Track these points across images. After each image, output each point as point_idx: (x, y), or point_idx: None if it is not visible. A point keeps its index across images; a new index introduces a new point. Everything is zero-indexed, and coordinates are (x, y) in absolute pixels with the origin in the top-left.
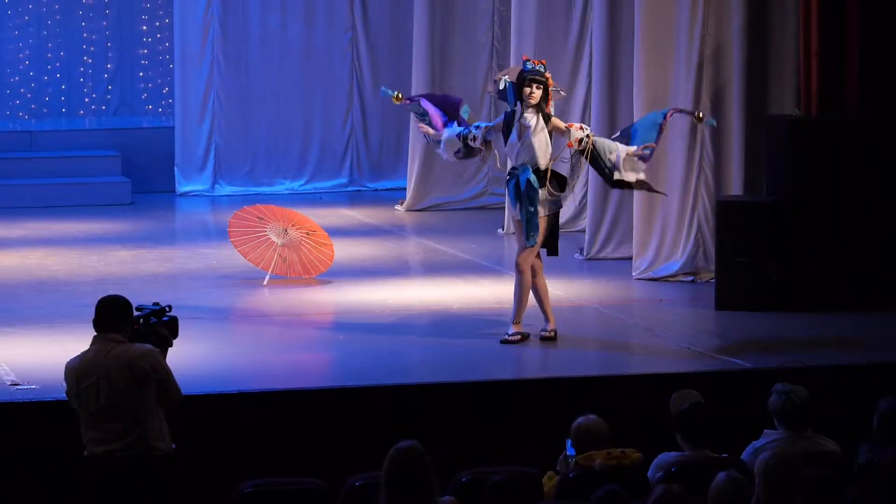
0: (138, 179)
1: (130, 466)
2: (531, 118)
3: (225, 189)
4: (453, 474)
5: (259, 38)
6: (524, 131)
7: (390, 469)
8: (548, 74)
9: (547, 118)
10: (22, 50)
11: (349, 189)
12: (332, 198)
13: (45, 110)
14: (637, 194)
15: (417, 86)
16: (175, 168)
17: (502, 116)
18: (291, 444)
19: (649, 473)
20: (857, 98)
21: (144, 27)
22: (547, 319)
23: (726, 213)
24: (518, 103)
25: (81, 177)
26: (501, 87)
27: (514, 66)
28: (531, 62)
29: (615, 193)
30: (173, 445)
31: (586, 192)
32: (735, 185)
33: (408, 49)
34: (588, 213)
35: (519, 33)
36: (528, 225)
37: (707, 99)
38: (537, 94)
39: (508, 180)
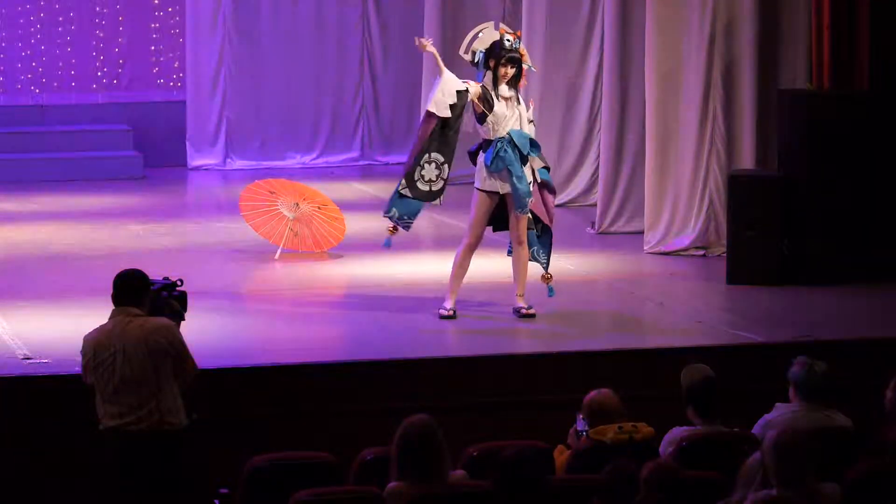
0: (150, 153)
1: (144, 440)
2: (507, 90)
3: (236, 163)
4: (464, 448)
5: (270, 11)
6: (508, 102)
7: (401, 443)
8: (522, 50)
9: (517, 93)
10: (33, 24)
11: (360, 163)
12: (343, 172)
13: (56, 84)
14: (648, 167)
15: (427, 60)
16: (187, 142)
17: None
18: (302, 419)
19: (661, 448)
20: (869, 72)
21: (156, 1)
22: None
23: (737, 187)
24: (487, 74)
25: (93, 151)
26: (477, 59)
27: (485, 28)
28: (509, 35)
29: (626, 167)
30: (194, 415)
31: (598, 166)
32: (746, 160)
33: (419, 23)
34: (599, 188)
35: (530, 7)
36: (524, 187)
37: (718, 73)
38: (510, 73)
39: (500, 149)
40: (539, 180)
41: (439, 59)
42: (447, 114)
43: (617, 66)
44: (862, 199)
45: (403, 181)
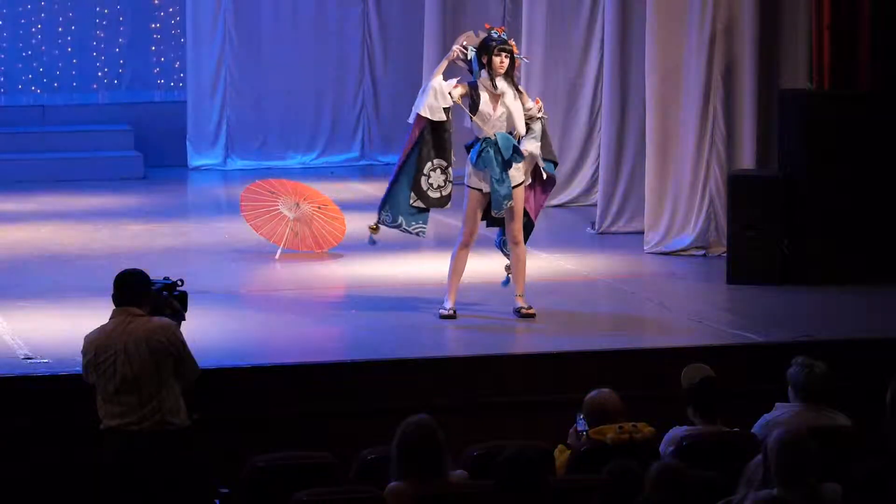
0: (150, 153)
1: (145, 440)
2: (503, 86)
3: (237, 163)
4: (465, 448)
5: (271, 11)
6: (499, 99)
7: (402, 443)
8: (511, 42)
9: (517, 89)
10: (34, 24)
11: (361, 163)
12: (343, 172)
13: (57, 84)
14: (648, 168)
15: (427, 62)
16: (187, 142)
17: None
18: (302, 419)
19: (661, 448)
20: (870, 72)
21: (156, 1)
22: (521, 294)
23: (737, 187)
24: (482, 72)
25: (93, 151)
26: (470, 57)
27: (468, 33)
28: (495, 30)
29: (626, 167)
30: (195, 415)
31: (598, 166)
32: (747, 159)
33: (418, 23)
34: (599, 188)
35: (530, 8)
36: (503, 189)
37: (719, 73)
38: (506, 62)
39: (483, 149)
40: (545, 176)
41: (444, 66)
42: (442, 117)
43: (617, 66)
44: (862, 199)
45: (413, 194)
